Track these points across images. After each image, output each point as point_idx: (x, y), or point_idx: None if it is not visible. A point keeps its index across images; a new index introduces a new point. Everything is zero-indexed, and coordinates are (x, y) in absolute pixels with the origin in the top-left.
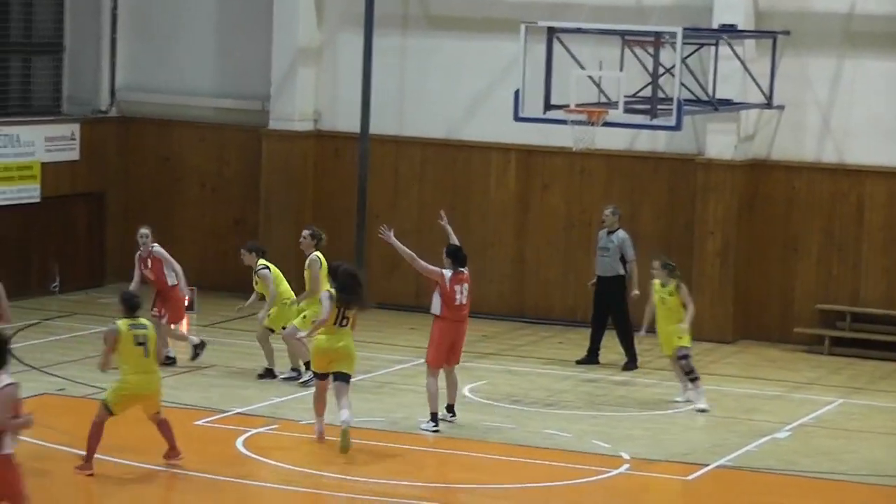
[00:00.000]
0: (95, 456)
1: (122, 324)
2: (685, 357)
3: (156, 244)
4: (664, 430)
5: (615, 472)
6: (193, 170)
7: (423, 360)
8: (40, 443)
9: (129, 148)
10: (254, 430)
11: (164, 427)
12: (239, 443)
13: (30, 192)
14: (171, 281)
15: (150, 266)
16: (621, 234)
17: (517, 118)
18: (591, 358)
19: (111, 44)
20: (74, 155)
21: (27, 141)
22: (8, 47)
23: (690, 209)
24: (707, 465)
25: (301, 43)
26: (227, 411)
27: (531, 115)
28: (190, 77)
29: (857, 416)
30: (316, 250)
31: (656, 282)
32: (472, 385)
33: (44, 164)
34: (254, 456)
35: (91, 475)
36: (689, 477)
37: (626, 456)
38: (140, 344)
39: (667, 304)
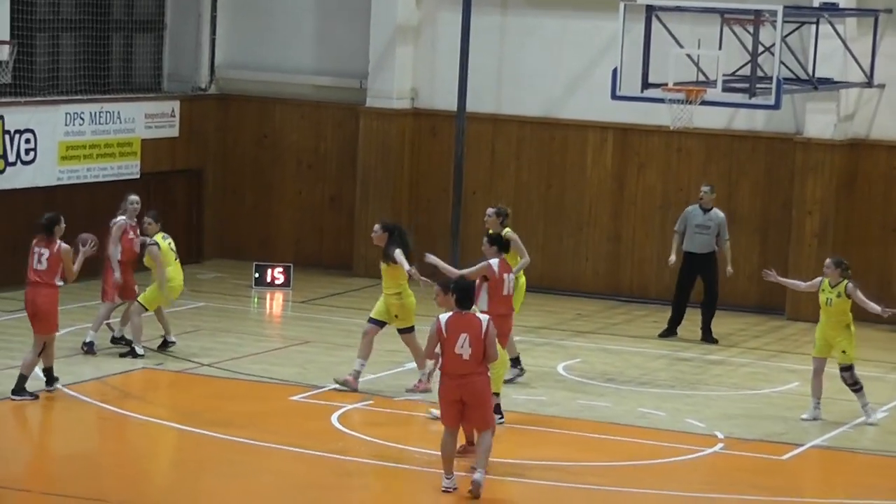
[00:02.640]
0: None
1: None
2: (848, 369)
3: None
4: (759, 409)
5: (710, 450)
6: (291, 147)
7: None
8: (137, 416)
9: (227, 125)
10: (349, 406)
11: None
12: (334, 418)
13: (130, 168)
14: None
15: (131, 237)
16: (720, 213)
17: (615, 97)
18: (672, 331)
19: (211, 22)
20: (174, 132)
21: (128, 118)
22: (110, 25)
23: (789, 189)
24: (802, 444)
25: (399, 21)
26: (323, 387)
27: (629, 94)
28: (289, 55)
29: None
30: (504, 227)
31: (825, 280)
32: (567, 363)
33: (144, 141)
34: (348, 431)
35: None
36: (785, 457)
37: (720, 435)
38: None
39: (833, 305)
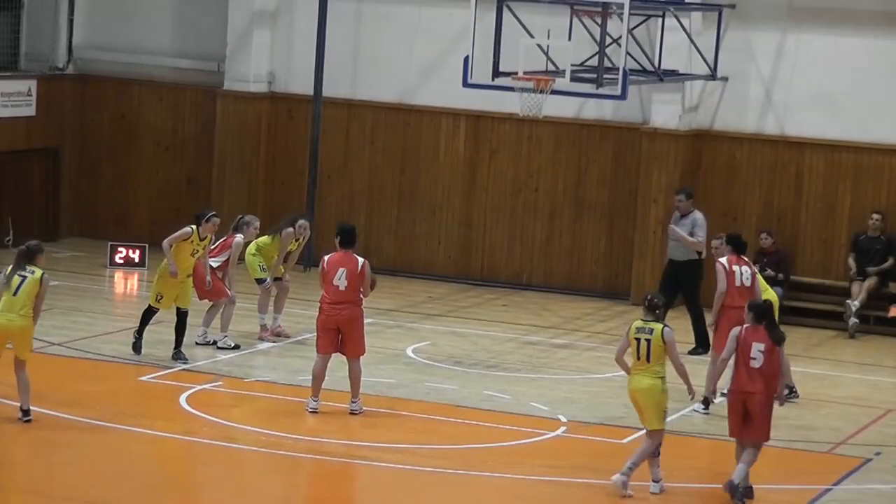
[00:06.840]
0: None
1: None
2: None
3: None
4: (602, 393)
5: (552, 434)
6: (148, 128)
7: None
8: None
9: (85, 105)
10: (198, 387)
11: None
12: (182, 399)
13: None
14: None
15: None
16: (697, 215)
17: (466, 84)
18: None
19: (69, 2)
20: (31, 111)
21: None
22: None
23: (635, 177)
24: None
25: (257, 5)
26: (172, 367)
27: (480, 82)
28: (147, 36)
29: None
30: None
31: None
32: (416, 345)
33: (0, 119)
34: (196, 412)
35: None
36: (625, 440)
37: (563, 419)
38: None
39: None
